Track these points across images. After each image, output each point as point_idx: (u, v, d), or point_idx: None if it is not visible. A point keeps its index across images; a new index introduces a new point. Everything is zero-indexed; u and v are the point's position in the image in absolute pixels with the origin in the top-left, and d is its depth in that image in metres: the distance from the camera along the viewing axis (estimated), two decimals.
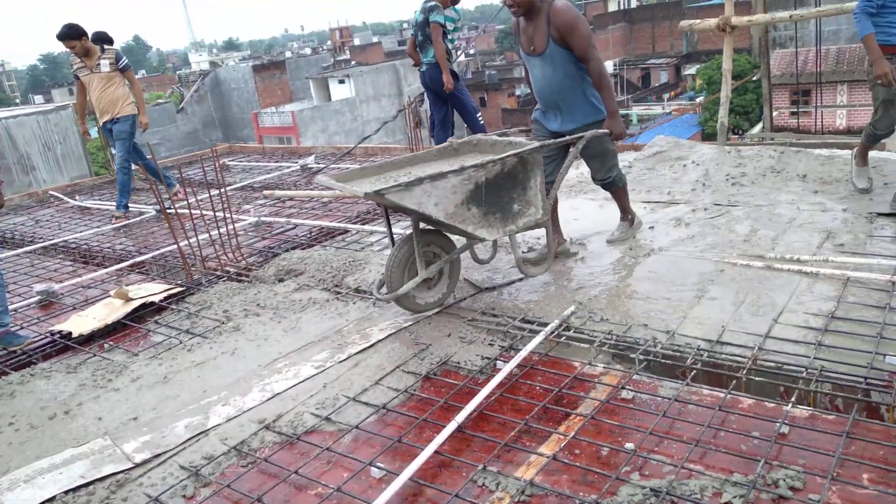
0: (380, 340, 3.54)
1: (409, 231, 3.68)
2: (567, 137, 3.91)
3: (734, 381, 2.81)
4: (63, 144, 11.84)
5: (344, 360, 3.39)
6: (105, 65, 7.04)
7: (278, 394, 3.14)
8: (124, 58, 7.19)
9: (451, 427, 2.66)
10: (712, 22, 6.18)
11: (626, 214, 4.52)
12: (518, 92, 43.24)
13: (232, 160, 10.07)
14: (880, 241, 4.00)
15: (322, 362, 3.38)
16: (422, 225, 3.63)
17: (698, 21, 6.53)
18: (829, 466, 2.25)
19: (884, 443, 2.35)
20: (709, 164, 5.72)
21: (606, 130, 3.93)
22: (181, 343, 3.85)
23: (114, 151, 7.30)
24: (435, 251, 3.77)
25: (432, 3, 6.64)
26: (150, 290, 4.58)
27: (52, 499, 2.54)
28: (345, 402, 3.01)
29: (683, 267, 3.96)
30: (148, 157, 7.26)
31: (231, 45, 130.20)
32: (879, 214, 4.37)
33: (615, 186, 4.35)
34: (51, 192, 8.95)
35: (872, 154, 5.38)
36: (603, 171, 4.27)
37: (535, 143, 3.63)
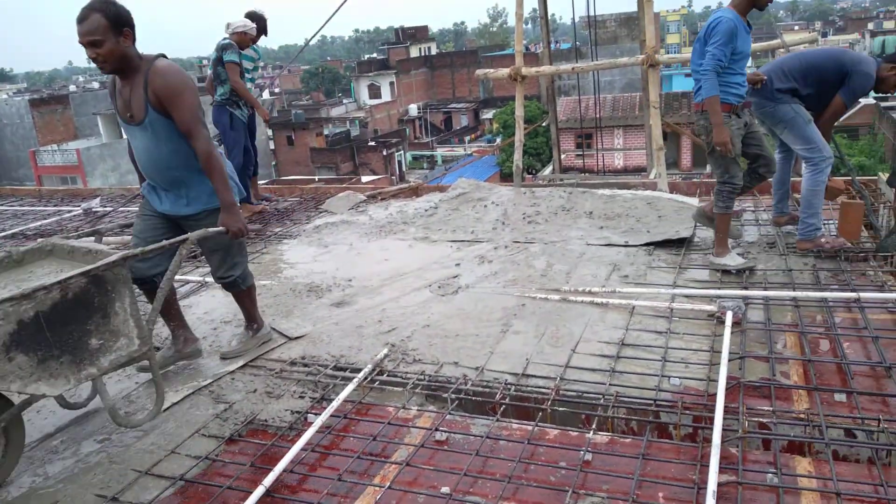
0: (175, 403, 3.22)
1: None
2: (173, 240, 3.00)
3: (540, 413, 2.90)
4: None
5: (132, 431, 3.03)
6: None
7: (53, 475, 2.72)
8: None
9: (258, 492, 2.46)
10: (505, 71, 6.60)
11: (252, 323, 3.77)
12: (326, 132, 43.25)
13: (0, 205, 8.90)
14: (658, 271, 4.42)
15: (107, 434, 3.00)
16: None
17: (492, 70, 6.95)
18: (629, 489, 2.37)
19: (674, 460, 2.53)
20: (507, 205, 6.02)
21: (221, 228, 3.19)
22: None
23: None
24: None
25: (225, 42, 6.51)
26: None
27: None
28: (135, 477, 2.68)
29: (489, 303, 4.08)
30: None
31: (4, 77, 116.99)
32: (655, 246, 4.83)
33: (237, 288, 3.62)
34: None
35: (646, 193, 6.00)
36: (223, 268, 3.52)
37: (118, 255, 2.66)
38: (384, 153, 39.50)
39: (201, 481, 2.66)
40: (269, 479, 2.52)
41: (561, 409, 2.94)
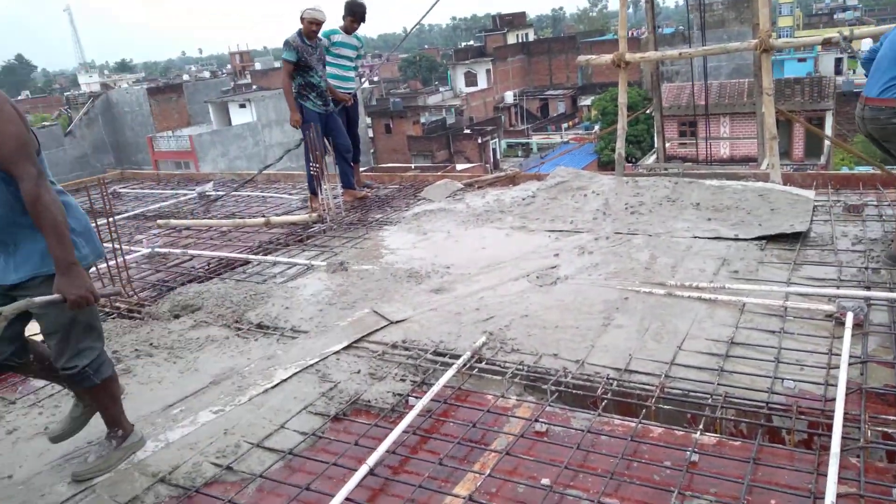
0: (284, 380, 3.36)
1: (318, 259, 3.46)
2: None
3: (644, 410, 2.84)
4: None
5: (245, 402, 3.19)
6: None
7: (174, 442, 2.91)
8: None
9: (362, 471, 2.54)
10: (608, 58, 6.43)
11: (114, 428, 2.82)
12: (423, 119, 43.70)
13: (123, 187, 9.53)
14: (770, 267, 4.21)
15: (222, 406, 3.17)
16: None
17: (594, 57, 6.79)
18: (739, 494, 2.28)
19: (787, 467, 2.42)
20: (609, 194, 5.89)
21: (56, 296, 2.43)
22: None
23: None
24: None
25: (288, 37, 6.58)
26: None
27: None
28: (247, 449, 2.82)
29: (589, 295, 4.02)
30: None
31: (124, 67, 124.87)
32: (767, 240, 4.60)
33: (87, 382, 2.67)
34: None
35: (758, 185, 5.71)
36: (65, 355, 2.63)
37: None
38: (479, 141, 39.53)
39: (308, 456, 2.77)
40: (372, 459, 2.59)
41: (665, 406, 2.86)
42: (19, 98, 72.11)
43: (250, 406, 3.15)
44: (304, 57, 6.55)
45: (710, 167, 7.97)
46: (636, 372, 3.13)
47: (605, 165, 29.80)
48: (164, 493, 2.60)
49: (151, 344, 3.94)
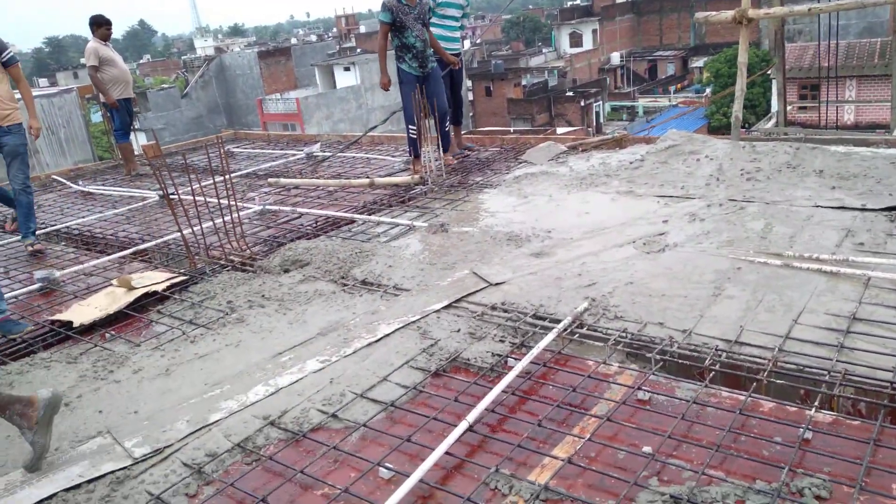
0: (387, 335, 3.45)
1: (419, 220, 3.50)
2: None
3: (754, 384, 2.72)
4: (67, 128, 11.74)
5: (350, 354, 3.30)
6: None
7: (283, 388, 3.06)
8: (11, 49, 5.65)
9: (461, 427, 2.58)
10: (729, 14, 6.05)
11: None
12: (524, 82, 42.97)
13: (237, 147, 9.97)
14: None
15: (328, 357, 3.29)
16: None
17: (714, 13, 6.40)
18: (856, 475, 2.16)
19: None
20: (723, 159, 5.61)
21: None
22: (184, 334, 3.77)
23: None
24: None
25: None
26: (153, 279, 4.50)
27: (52, 496, 2.47)
28: (352, 399, 2.93)
29: (699, 264, 3.87)
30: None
31: (236, 31, 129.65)
32: None
33: None
34: (53, 177, 8.86)
35: (890, 152, 5.28)
36: None
37: None
38: (581, 104, 38.54)
39: (409, 409, 2.84)
40: (472, 416, 2.63)
41: (778, 381, 2.72)
42: (141, 61, 76.37)
43: (355, 358, 3.26)
44: (399, 17, 6.48)
45: (835, 132, 7.42)
46: (747, 344, 3.00)
47: (716, 131, 28.37)
48: (273, 436, 2.74)
49: (263, 296, 4.13)
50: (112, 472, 2.57)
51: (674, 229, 4.44)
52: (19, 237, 5.81)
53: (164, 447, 2.70)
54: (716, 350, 2.96)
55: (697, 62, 44.81)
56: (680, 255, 4.04)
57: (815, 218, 4.34)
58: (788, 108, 21.82)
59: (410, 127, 6.68)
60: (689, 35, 50.13)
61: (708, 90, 36.95)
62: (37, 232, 5.80)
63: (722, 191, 5.05)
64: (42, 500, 2.44)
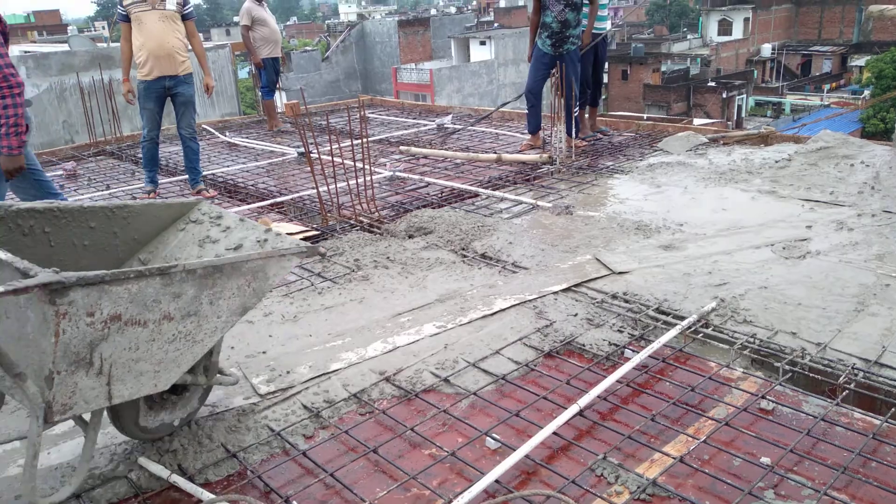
0: (503, 310, 3.48)
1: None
2: None
3: (893, 409, 2.53)
4: (218, 82, 12.49)
5: (465, 323, 3.36)
6: (171, 1, 5.66)
7: (400, 347, 3.17)
8: (191, 4, 5.90)
9: (572, 409, 2.57)
10: None
11: None
12: (664, 68, 41.24)
13: (371, 112, 10.26)
14: None
15: (444, 323, 3.37)
16: None
17: (891, 7, 5.86)
18: None
19: None
20: (881, 167, 5.17)
21: None
22: (312, 286, 3.97)
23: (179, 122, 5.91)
24: None
25: None
26: (287, 230, 4.75)
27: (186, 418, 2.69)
28: (464, 367, 2.99)
29: (842, 275, 3.61)
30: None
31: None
32: None
33: None
34: (203, 126, 9.49)
35: None
36: None
37: None
38: (723, 95, 36.51)
39: (519, 384, 2.86)
40: (583, 400, 2.61)
41: None
42: (287, 23, 79.66)
43: (470, 328, 3.31)
44: None
45: None
46: (888, 367, 2.79)
47: (871, 137, 26.10)
48: (387, 391, 2.85)
49: (388, 258, 4.26)
50: (240, 405, 2.77)
51: (818, 236, 4.16)
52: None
53: (287, 387, 2.87)
54: (852, 368, 2.78)
55: (858, 60, 41.20)
56: (822, 263, 3.78)
57: None
58: None
59: (529, 100, 6.73)
60: (852, 30, 46.18)
61: (867, 92, 33.96)
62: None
63: (876, 201, 4.66)
64: (180, 419, 2.66)
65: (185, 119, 5.92)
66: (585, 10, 6.79)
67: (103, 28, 58.21)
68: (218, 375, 2.58)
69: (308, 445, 2.54)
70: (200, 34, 8.55)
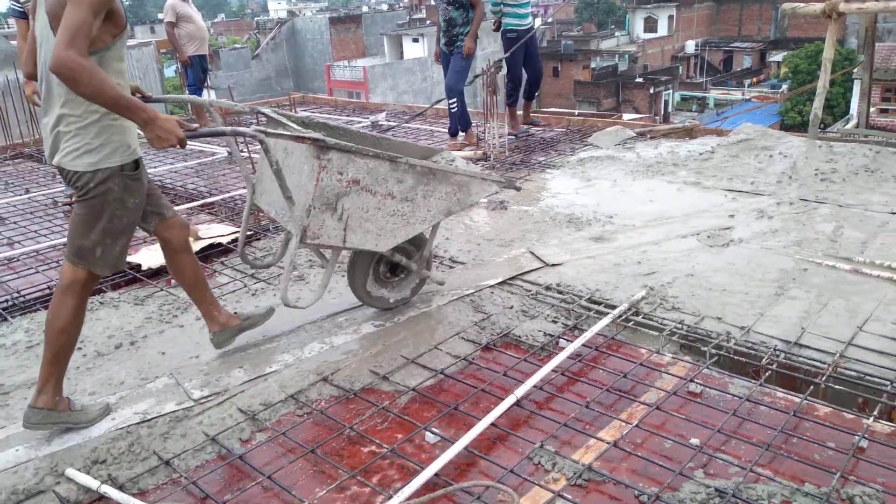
0: (441, 306, 3.49)
1: None
2: None
3: (811, 387, 2.66)
4: (143, 81, 12.09)
5: (404, 320, 3.36)
6: None
7: (337, 347, 3.14)
8: None
9: (509, 400, 2.61)
10: (818, 7, 5.81)
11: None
12: (593, 65, 42.12)
13: (304, 110, 10.10)
14: None
15: (382, 321, 3.36)
16: None
17: (802, 5, 6.15)
18: None
19: None
20: (798, 157, 5.43)
21: None
22: (245, 287, 3.89)
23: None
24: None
25: None
26: (219, 232, 4.64)
27: (121, 429, 2.60)
28: (403, 363, 2.99)
29: (764, 262, 3.78)
30: None
31: None
32: None
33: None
34: None
35: None
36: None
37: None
38: (651, 91, 37.55)
39: (458, 378, 2.88)
40: (520, 391, 2.65)
41: (836, 387, 2.67)
42: (215, 20, 77.73)
43: (408, 325, 3.32)
44: None
45: None
46: (807, 347, 2.93)
47: (789, 128, 27.36)
48: (326, 392, 2.82)
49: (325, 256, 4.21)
50: (173, 411, 2.69)
51: (740, 224, 4.34)
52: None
53: (222, 391, 2.81)
54: (774, 350, 2.91)
55: (776, 56, 43.06)
56: (744, 251, 3.95)
57: (891, 225, 4.18)
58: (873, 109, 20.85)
59: (449, 101, 6.79)
60: (769, 27, 48.21)
61: (784, 86, 35.55)
62: None
63: (794, 189, 4.90)
64: (111, 430, 2.57)
65: None
66: (510, 8, 6.87)
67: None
68: (425, 271, 3.40)
69: (245, 449, 2.49)
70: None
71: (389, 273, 3.38)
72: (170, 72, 22.37)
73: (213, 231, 4.66)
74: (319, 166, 2.72)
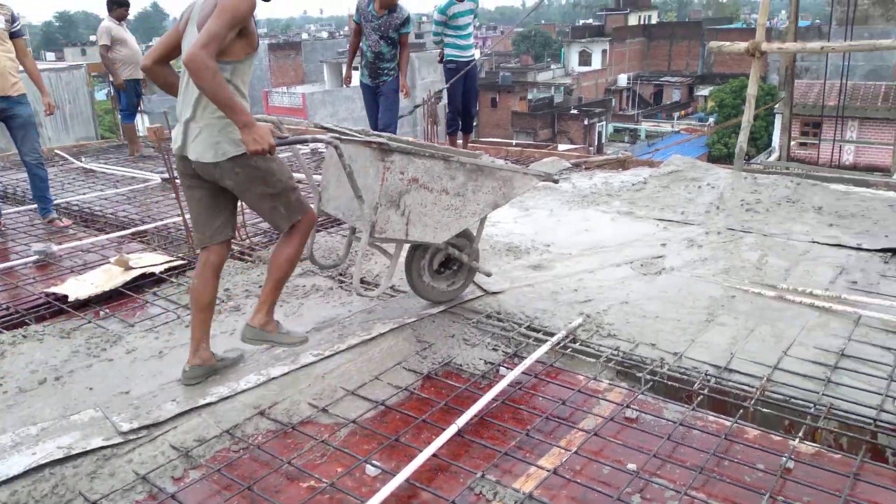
0: (381, 334, 3.47)
1: None
2: None
3: (741, 411, 2.76)
4: (72, 104, 11.71)
5: (344, 350, 3.32)
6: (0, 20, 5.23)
7: (275, 379, 3.07)
8: (20, 20, 5.50)
9: (450, 431, 2.61)
10: (742, 46, 6.14)
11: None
12: (530, 96, 43.12)
13: None
14: (893, 281, 3.96)
15: (321, 351, 3.31)
16: None
17: (728, 43, 6.48)
18: None
19: (891, 488, 2.30)
20: (724, 188, 5.67)
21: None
22: (178, 318, 3.78)
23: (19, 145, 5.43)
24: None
25: None
26: (151, 261, 4.51)
27: (38, 468, 2.47)
28: (342, 395, 2.95)
29: (694, 289, 3.91)
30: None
31: None
32: (893, 254, 4.32)
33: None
34: (56, 151, 8.85)
35: (889, 195, 5.35)
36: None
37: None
38: (585, 122, 38.66)
39: (400, 409, 2.86)
40: (461, 420, 2.66)
41: (764, 410, 2.77)
42: (150, 43, 76.05)
43: (349, 355, 3.28)
44: (362, 21, 6.55)
45: (837, 171, 7.52)
46: (736, 371, 3.04)
47: (716, 160, 28.55)
48: (262, 426, 2.76)
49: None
50: (100, 447, 2.58)
51: (671, 253, 4.49)
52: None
53: (153, 425, 2.71)
54: (705, 375, 3.00)
55: (703, 90, 45.06)
56: (676, 279, 4.08)
57: (811, 253, 4.40)
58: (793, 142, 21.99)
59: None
60: (697, 63, 50.47)
61: (711, 119, 37.17)
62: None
63: (721, 219, 5.11)
64: (29, 470, 2.44)
65: (28, 143, 5.41)
66: (453, 40, 6.99)
67: None
68: (474, 263, 3.73)
69: (177, 487, 2.41)
70: (52, 53, 7.95)
71: (442, 266, 3.72)
72: (101, 95, 21.77)
73: (144, 260, 4.52)
74: (384, 167, 3.06)
